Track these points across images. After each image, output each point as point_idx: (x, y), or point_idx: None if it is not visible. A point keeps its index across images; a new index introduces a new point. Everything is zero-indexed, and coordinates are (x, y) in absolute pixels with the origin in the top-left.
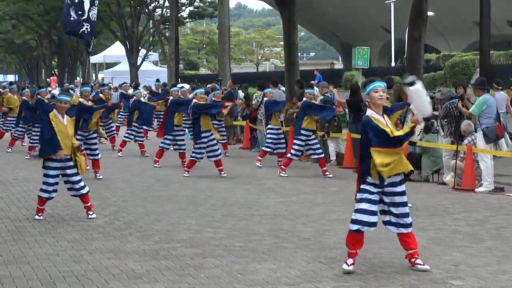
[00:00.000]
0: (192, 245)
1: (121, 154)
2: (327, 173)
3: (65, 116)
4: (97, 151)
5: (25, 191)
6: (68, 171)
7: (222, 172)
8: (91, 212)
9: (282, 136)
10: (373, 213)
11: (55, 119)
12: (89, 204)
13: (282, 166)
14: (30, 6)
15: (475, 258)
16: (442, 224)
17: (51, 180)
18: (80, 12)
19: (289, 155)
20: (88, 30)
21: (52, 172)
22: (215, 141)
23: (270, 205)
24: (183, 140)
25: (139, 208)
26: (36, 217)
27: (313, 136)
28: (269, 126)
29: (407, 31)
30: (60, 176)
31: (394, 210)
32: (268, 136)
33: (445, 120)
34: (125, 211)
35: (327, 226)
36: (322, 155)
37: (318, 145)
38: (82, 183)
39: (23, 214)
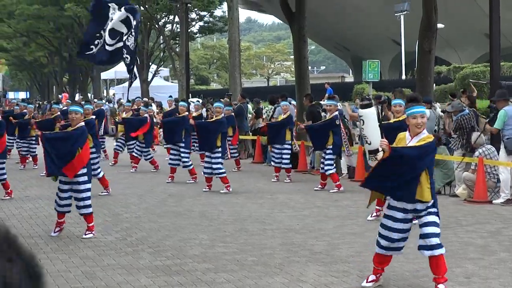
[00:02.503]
0: (204, 260)
1: (133, 170)
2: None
3: (79, 124)
4: (98, 170)
5: (37, 208)
6: (76, 187)
7: (229, 189)
8: (88, 232)
9: (287, 151)
10: (392, 240)
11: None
12: (91, 224)
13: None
14: (41, 23)
15: (487, 270)
16: (454, 236)
17: (59, 194)
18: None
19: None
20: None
21: (61, 186)
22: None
23: (282, 219)
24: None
25: (152, 224)
26: (52, 234)
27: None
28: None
29: (417, 44)
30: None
31: (423, 230)
32: (273, 150)
33: (456, 132)
34: (138, 227)
35: (339, 239)
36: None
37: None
38: (88, 202)
39: (35, 231)
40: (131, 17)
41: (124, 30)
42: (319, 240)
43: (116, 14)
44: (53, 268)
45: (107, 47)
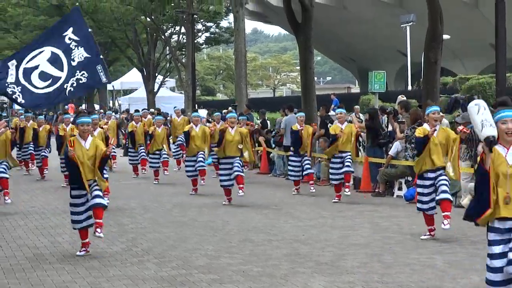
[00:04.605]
0: (209, 271)
1: (156, 182)
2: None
3: (90, 138)
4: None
5: (43, 219)
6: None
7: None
8: (83, 250)
9: (308, 161)
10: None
11: (73, 145)
12: (86, 240)
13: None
14: None
15: None
16: (460, 247)
17: (81, 209)
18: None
19: None
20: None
21: (78, 201)
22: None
23: (287, 230)
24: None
25: (157, 234)
26: (78, 253)
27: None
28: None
29: (423, 55)
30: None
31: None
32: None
33: (465, 144)
34: (143, 238)
35: (344, 250)
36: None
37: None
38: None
39: (40, 242)
40: (58, 52)
41: (56, 73)
42: (324, 250)
43: (42, 56)
44: (58, 279)
45: (36, 90)
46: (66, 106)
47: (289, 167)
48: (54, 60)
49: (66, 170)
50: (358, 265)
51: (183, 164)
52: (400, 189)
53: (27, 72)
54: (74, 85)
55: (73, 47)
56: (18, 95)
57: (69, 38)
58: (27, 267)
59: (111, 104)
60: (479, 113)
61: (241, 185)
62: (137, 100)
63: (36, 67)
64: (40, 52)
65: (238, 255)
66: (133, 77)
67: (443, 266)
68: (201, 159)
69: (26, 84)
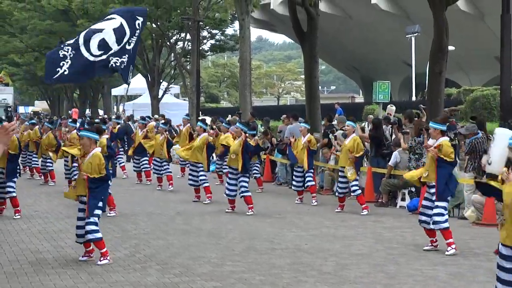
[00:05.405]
0: (212, 278)
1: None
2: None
3: (95, 151)
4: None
5: (46, 223)
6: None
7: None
8: (86, 256)
9: (309, 173)
10: None
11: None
12: (90, 248)
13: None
14: (52, 39)
15: None
16: (463, 259)
17: (82, 223)
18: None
19: None
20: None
21: (82, 214)
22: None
23: (290, 238)
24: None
25: (160, 241)
26: (81, 258)
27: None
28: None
29: (427, 66)
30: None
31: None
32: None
33: (468, 155)
34: (146, 244)
35: (347, 260)
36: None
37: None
38: (90, 227)
39: (43, 246)
40: (125, 24)
41: (113, 44)
42: (327, 260)
43: (111, 23)
44: (61, 284)
45: (88, 57)
46: (70, 111)
47: (293, 177)
48: (119, 32)
49: (68, 175)
50: (361, 275)
51: (187, 171)
52: (403, 199)
53: (90, 32)
54: (117, 63)
55: (136, 34)
56: (67, 61)
57: (138, 24)
58: (30, 271)
59: (115, 110)
60: (503, 146)
61: (250, 205)
62: (141, 106)
63: (100, 31)
64: (111, 19)
65: (241, 263)
66: (137, 83)
67: (446, 278)
68: (203, 177)
69: (82, 47)
